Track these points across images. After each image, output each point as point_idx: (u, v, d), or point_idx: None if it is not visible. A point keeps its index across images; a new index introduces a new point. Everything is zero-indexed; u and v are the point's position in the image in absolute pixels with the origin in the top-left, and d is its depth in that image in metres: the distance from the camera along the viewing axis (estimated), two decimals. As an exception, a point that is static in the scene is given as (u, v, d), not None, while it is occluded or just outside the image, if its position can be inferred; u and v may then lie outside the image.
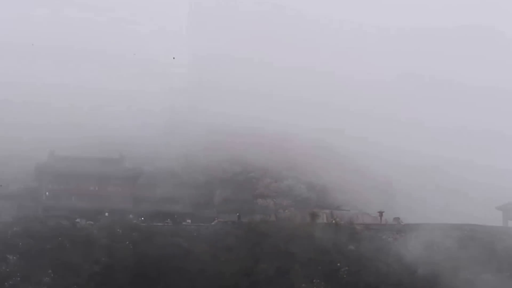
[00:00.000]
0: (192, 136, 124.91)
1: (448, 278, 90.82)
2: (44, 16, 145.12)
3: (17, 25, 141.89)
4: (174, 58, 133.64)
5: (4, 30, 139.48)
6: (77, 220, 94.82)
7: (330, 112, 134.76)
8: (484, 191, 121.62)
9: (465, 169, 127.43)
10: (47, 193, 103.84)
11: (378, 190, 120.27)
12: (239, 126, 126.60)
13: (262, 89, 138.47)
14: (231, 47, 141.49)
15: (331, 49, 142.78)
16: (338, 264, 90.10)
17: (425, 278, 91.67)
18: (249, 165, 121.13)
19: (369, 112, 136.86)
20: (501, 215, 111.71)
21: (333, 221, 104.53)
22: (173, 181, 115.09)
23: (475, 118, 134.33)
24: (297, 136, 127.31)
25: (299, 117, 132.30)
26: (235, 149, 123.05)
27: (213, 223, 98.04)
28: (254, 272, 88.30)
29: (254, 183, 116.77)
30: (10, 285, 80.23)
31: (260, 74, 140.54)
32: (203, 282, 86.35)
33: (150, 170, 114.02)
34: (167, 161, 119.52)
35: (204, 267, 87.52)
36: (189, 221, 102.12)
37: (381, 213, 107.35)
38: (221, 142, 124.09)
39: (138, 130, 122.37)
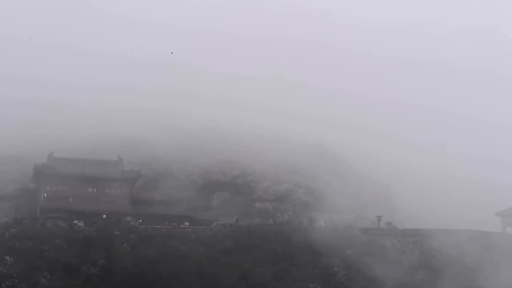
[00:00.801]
0: (191, 138, 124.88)
1: (445, 283, 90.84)
2: (41, 11, 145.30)
3: (14, 20, 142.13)
4: (172, 53, 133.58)
5: (1, 24, 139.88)
6: (75, 221, 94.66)
7: (330, 119, 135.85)
8: (483, 197, 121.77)
9: (464, 175, 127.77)
10: (45, 194, 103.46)
11: (376, 195, 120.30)
12: (239, 129, 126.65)
13: (264, 94, 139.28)
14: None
15: (339, 68, 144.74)
16: (336, 269, 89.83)
17: (423, 283, 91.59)
18: (248, 168, 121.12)
19: (369, 122, 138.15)
20: (499, 221, 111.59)
21: (331, 225, 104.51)
22: (171, 183, 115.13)
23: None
24: (296, 141, 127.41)
25: (298, 123, 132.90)
26: (235, 152, 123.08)
27: (211, 226, 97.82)
28: (251, 275, 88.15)
29: (253, 186, 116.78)
30: (7, 286, 79.87)
31: (262, 84, 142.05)
32: (200, 284, 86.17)
33: (149, 173, 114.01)
34: (166, 164, 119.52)
35: (202, 270, 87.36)
36: (187, 223, 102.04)
37: (379, 218, 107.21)
38: (220, 145, 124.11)
39: (136, 130, 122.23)
